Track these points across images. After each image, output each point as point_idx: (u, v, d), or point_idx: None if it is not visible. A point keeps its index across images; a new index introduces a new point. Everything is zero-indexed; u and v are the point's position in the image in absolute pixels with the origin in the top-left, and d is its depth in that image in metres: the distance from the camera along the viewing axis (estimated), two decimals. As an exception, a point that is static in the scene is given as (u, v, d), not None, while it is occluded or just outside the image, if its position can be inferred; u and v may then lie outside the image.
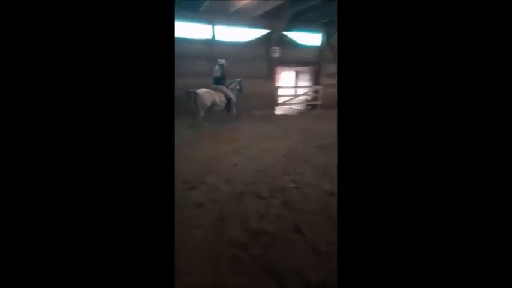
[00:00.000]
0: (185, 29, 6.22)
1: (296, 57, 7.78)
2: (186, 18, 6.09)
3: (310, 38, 7.92)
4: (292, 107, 8.05)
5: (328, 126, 5.29)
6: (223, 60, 5.22)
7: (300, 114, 7.58)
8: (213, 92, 5.01)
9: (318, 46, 8.04)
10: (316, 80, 8.30)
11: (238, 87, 5.57)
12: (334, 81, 8.27)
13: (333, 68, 8.41)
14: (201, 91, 4.81)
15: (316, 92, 7.83)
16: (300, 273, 1.36)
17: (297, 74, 8.95)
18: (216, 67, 5.20)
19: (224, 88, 5.25)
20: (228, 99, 5.25)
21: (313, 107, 7.79)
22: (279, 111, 7.59)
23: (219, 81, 5.21)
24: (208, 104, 4.88)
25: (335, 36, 7.73)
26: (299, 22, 7.03)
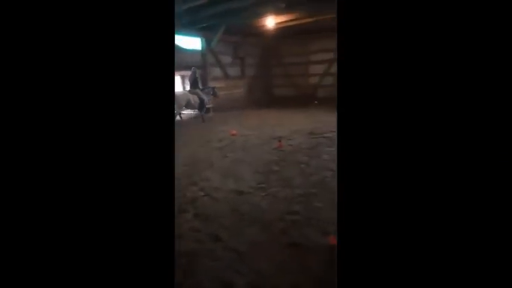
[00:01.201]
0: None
1: (179, 62, 7.54)
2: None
3: (189, 43, 7.85)
4: (186, 111, 7.80)
5: (223, 128, 5.49)
6: (196, 68, 6.60)
7: (195, 118, 7.46)
8: (188, 94, 6.15)
9: (199, 50, 8.10)
10: (203, 84, 8.37)
11: (211, 92, 6.81)
12: (222, 84, 8.65)
13: (217, 71, 8.72)
14: (177, 93, 5.86)
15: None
16: (229, 282, 1.35)
17: (183, 78, 8.71)
18: (193, 75, 6.46)
19: (198, 91, 6.38)
20: (201, 100, 6.35)
21: (207, 110, 7.84)
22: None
23: (194, 85, 6.44)
24: (183, 103, 5.95)
25: (215, 41, 8.02)
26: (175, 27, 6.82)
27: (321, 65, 9.33)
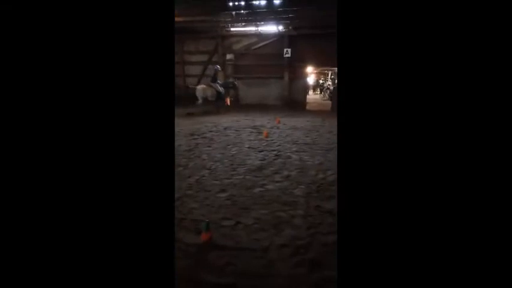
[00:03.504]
0: None
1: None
2: None
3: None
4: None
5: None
6: (218, 66, 7.94)
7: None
8: (207, 87, 7.46)
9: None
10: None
11: (231, 85, 7.90)
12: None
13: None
14: (198, 87, 7.52)
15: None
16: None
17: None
18: (214, 71, 7.73)
19: (216, 85, 7.45)
20: (218, 92, 7.44)
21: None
22: None
23: (214, 80, 7.55)
24: (203, 95, 7.32)
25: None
26: None
27: (198, 66, 9.43)
